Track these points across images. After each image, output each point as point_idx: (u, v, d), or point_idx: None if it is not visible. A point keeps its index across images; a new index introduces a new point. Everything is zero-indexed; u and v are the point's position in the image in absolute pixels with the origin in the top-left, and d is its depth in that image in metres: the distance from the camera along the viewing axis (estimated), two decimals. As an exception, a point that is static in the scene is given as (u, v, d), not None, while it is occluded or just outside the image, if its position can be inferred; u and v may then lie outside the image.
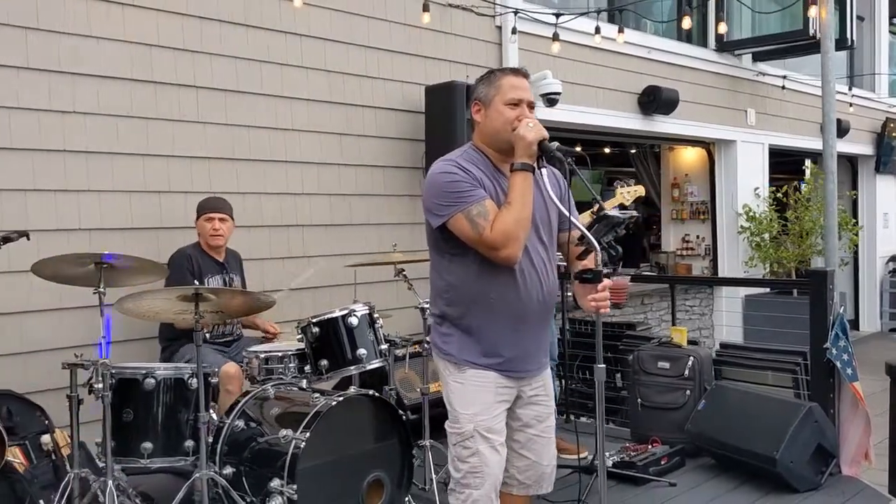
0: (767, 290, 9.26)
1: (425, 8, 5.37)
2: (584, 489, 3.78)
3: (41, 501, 3.55)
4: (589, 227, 2.52)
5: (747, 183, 9.28)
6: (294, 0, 4.75)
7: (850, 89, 10.94)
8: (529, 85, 2.68)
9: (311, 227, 5.21)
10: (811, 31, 8.38)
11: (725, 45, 8.89)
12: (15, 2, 3.99)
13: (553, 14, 6.26)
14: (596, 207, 2.54)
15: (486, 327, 2.60)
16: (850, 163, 12.01)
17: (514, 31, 6.21)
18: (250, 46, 4.87)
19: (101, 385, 3.31)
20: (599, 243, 2.52)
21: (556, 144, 2.58)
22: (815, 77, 9.65)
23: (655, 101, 7.71)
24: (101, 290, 3.23)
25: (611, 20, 7.61)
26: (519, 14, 6.22)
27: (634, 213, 3.39)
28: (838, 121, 10.16)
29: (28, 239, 3.31)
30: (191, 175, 4.61)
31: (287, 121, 5.07)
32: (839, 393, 4.36)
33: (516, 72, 2.66)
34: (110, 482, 3.23)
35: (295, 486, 3.11)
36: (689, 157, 9.75)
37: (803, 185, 10.03)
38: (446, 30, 5.98)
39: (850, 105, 10.80)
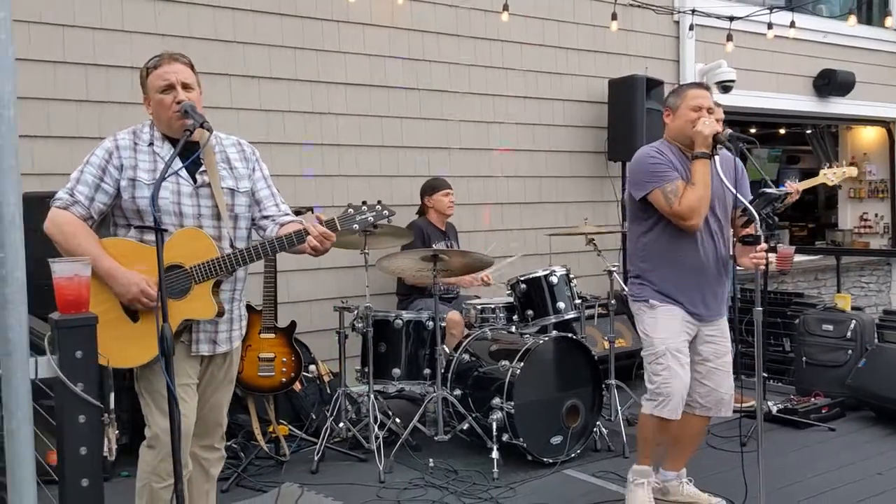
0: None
1: (614, 17, 6.11)
2: (747, 431, 4.39)
3: (313, 415, 4.67)
4: (751, 202, 3.23)
5: (929, 161, 9.29)
6: (502, 15, 5.63)
7: None
8: (709, 94, 3.40)
9: (508, 205, 6.11)
10: None
11: (906, 25, 8.92)
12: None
13: (727, 18, 6.75)
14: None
15: (673, 278, 3.34)
16: None
17: (691, 27, 6.79)
18: (461, 52, 5.81)
19: (362, 324, 4.36)
20: (759, 214, 3.22)
21: (728, 132, 3.31)
22: None
23: (831, 83, 8.00)
24: (366, 251, 4.26)
25: (788, 4, 7.95)
26: (695, 13, 6.78)
27: (789, 191, 3.99)
28: None
29: (312, 213, 4.41)
30: (415, 161, 5.62)
31: (490, 114, 5.98)
32: None
33: (699, 85, 3.43)
34: (372, 395, 4.26)
35: (512, 403, 4.01)
36: (868, 135, 9.83)
37: None
38: (627, 27, 6.66)
39: None
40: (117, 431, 2.32)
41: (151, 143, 2.68)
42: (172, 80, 2.63)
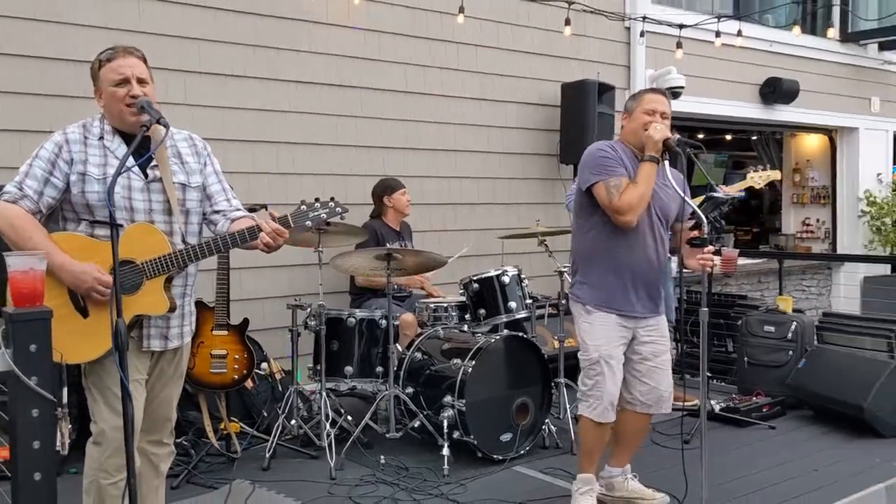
0: (887, 271, 9.55)
1: (567, 22, 6.21)
2: (691, 429, 4.50)
3: (265, 412, 4.67)
4: (699, 206, 3.34)
5: (869, 168, 9.61)
6: (457, 17, 5.69)
7: None
8: (665, 100, 3.50)
9: (462, 206, 6.17)
10: (936, 22, 8.64)
11: (849, 36, 9.24)
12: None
13: (677, 26, 6.92)
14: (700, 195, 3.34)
15: (610, 279, 3.44)
16: None
17: (642, 34, 6.94)
18: (417, 54, 5.85)
19: (315, 322, 4.38)
20: (707, 218, 3.33)
21: (676, 137, 3.42)
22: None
23: (776, 91, 8.24)
24: (320, 249, 4.28)
25: (735, 13, 8.16)
26: (646, 19, 6.93)
27: (737, 195, 4.14)
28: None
29: (266, 210, 4.40)
30: (370, 161, 5.64)
31: (445, 116, 6.03)
32: (929, 356, 4.94)
33: (657, 91, 3.54)
34: (324, 393, 4.28)
35: (463, 401, 4.06)
36: (811, 142, 10.14)
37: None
38: (580, 32, 6.77)
39: None
40: (70, 426, 2.32)
41: (101, 137, 2.67)
42: (128, 73, 2.62)
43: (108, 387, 2.60)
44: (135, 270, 2.59)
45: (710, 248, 3.33)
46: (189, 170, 2.78)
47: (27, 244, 2.51)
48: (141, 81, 2.65)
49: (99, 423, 2.63)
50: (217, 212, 2.84)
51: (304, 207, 2.80)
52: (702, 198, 3.99)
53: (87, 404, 2.69)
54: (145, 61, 2.71)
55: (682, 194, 3.36)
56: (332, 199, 2.84)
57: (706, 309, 3.31)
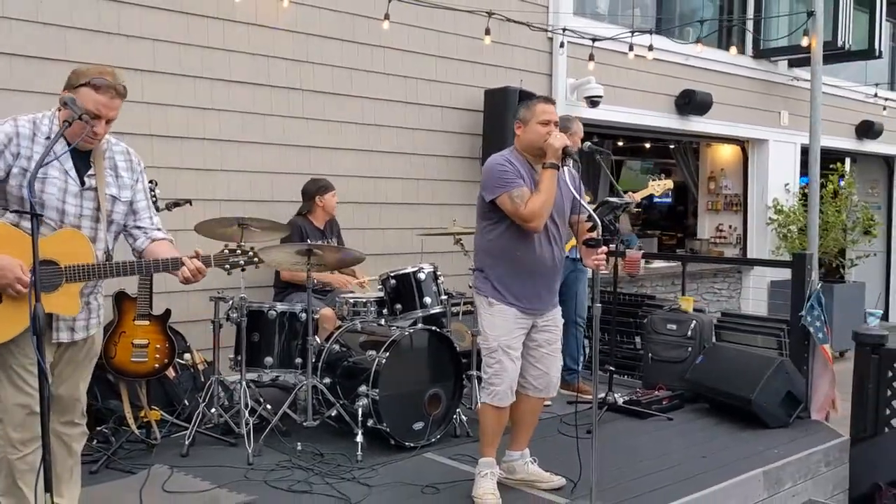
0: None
1: (487, 31, 6.48)
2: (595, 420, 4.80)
3: (186, 401, 4.79)
4: (595, 209, 3.63)
5: (778, 179, 10.15)
6: (383, 23, 5.89)
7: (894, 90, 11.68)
8: (554, 108, 3.77)
9: (388, 205, 6.38)
10: (839, 43, 9.20)
11: (762, 53, 9.75)
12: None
13: (591, 39, 7.31)
14: (593, 201, 3.63)
15: (511, 275, 3.70)
16: (886, 162, 12.69)
17: (562, 45, 7.26)
18: (344, 56, 6.03)
19: (236, 314, 4.53)
20: (601, 221, 3.61)
21: (587, 144, 3.83)
22: (850, 82, 10.52)
23: (690, 102, 8.67)
24: (242, 244, 4.41)
25: (657, 28, 8.56)
26: (566, 31, 7.25)
27: (630, 200, 4.47)
28: (871, 122, 11.01)
29: (191, 205, 4.55)
30: (297, 159, 5.81)
31: (371, 117, 6.23)
32: (812, 353, 5.34)
33: (547, 100, 3.78)
34: (244, 383, 4.43)
35: (377, 391, 4.27)
36: (725, 153, 10.65)
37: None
38: (504, 41, 7.04)
39: (884, 108, 11.51)
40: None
41: (48, 137, 2.79)
42: (104, 114, 2.79)
43: (10, 366, 2.76)
44: (56, 272, 2.75)
45: (604, 248, 3.62)
46: (122, 184, 2.98)
47: None
48: (109, 122, 2.83)
49: (3, 400, 2.77)
50: (139, 227, 3.05)
51: (226, 252, 3.02)
52: (599, 201, 4.30)
53: None
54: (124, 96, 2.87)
55: (577, 195, 3.66)
56: (251, 248, 3.07)
57: (599, 305, 3.62)
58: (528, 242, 3.68)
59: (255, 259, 3.07)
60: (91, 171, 2.86)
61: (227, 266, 3.02)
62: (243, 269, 3.13)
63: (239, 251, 3.04)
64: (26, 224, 2.72)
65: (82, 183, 2.84)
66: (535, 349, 3.80)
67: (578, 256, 3.98)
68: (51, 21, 4.73)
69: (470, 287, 4.87)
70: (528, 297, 3.71)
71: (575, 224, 3.82)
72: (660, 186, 5.70)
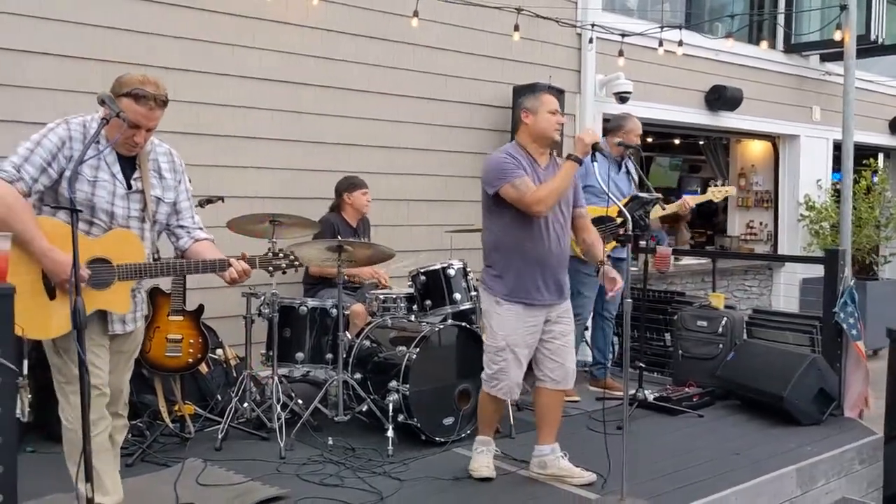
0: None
1: (516, 28, 6.48)
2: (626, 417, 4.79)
3: (219, 396, 4.85)
4: (625, 205, 3.63)
5: (810, 174, 10.02)
6: (412, 20, 5.92)
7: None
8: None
9: (416, 202, 6.40)
10: (872, 37, 9.06)
11: (793, 47, 9.64)
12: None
13: (620, 34, 7.28)
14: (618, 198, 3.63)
15: (519, 269, 3.73)
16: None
17: (591, 40, 7.23)
18: (376, 54, 6.06)
19: (268, 310, 4.58)
20: (632, 216, 3.62)
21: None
22: (884, 76, 10.36)
23: (721, 98, 8.59)
24: (274, 240, 4.46)
25: (686, 23, 8.50)
26: (595, 27, 7.22)
27: (660, 196, 4.45)
28: (904, 117, 10.80)
29: (223, 202, 4.61)
30: (326, 156, 5.85)
31: (401, 115, 6.25)
32: (846, 350, 5.27)
33: (551, 89, 3.82)
34: (275, 378, 4.48)
35: (408, 386, 4.30)
36: (756, 148, 10.55)
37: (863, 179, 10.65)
38: (533, 37, 7.02)
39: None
40: (30, 396, 2.50)
41: (98, 142, 2.85)
42: (144, 125, 2.85)
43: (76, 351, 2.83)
44: (109, 269, 2.84)
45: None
46: (165, 185, 3.07)
47: (17, 226, 2.70)
48: (150, 130, 2.90)
49: (73, 383, 2.78)
50: (182, 226, 3.15)
51: (270, 254, 3.17)
52: (629, 197, 4.29)
53: (53, 377, 2.91)
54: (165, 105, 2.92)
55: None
56: (291, 252, 3.21)
57: (630, 300, 3.61)
58: (534, 233, 3.72)
59: (296, 263, 3.19)
60: (137, 175, 2.97)
61: (271, 268, 3.15)
62: (284, 272, 3.22)
63: (281, 254, 3.16)
64: (80, 225, 2.80)
65: (129, 186, 2.94)
66: (550, 341, 3.84)
67: (622, 256, 4.01)
68: (58, 17, 4.77)
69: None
70: (538, 289, 3.75)
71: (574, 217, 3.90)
72: (720, 193, 5.49)
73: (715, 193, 5.53)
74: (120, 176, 2.91)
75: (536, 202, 3.61)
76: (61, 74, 4.75)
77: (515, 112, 3.81)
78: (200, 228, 3.19)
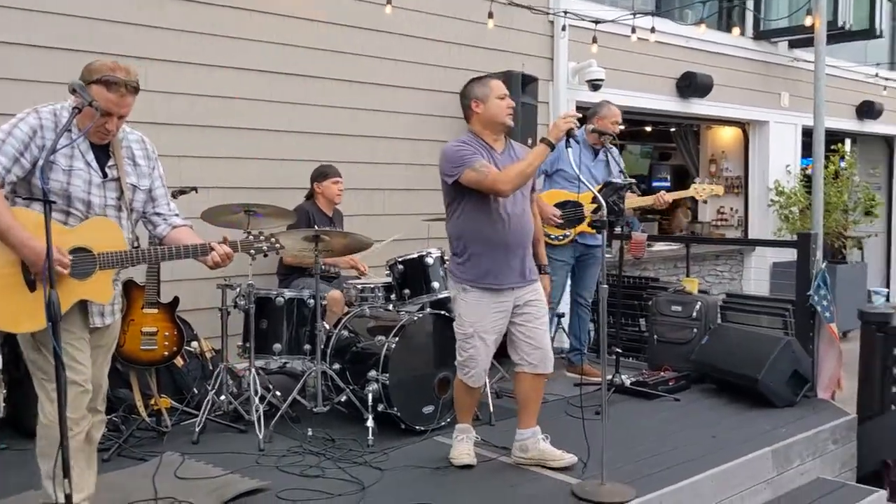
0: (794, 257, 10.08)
1: (490, 15, 6.47)
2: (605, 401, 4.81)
3: (195, 389, 4.81)
4: (599, 190, 3.64)
5: (779, 160, 10.14)
6: (386, 7, 5.89)
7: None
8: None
9: (392, 191, 6.38)
10: (840, 23, 9.17)
11: (762, 34, 9.72)
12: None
13: (592, 21, 7.30)
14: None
15: (483, 255, 3.74)
16: (886, 143, 12.68)
17: (563, 28, 7.23)
18: (350, 43, 6.02)
19: (244, 301, 4.54)
20: (606, 202, 3.63)
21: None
22: (850, 62, 10.49)
23: (691, 85, 8.66)
24: (250, 231, 4.41)
25: (657, 10, 8.53)
26: (568, 14, 7.23)
27: (633, 181, 4.47)
28: (871, 103, 10.99)
29: (196, 192, 4.55)
30: (300, 146, 5.81)
31: (374, 103, 6.22)
32: (818, 332, 5.35)
33: (496, 76, 3.82)
34: (253, 370, 4.44)
35: (387, 375, 4.28)
36: (726, 135, 10.64)
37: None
38: (506, 25, 7.02)
39: (885, 88, 11.49)
40: (5, 391, 2.45)
41: (69, 130, 2.79)
42: (115, 112, 2.80)
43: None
44: (89, 259, 2.79)
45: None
46: (140, 172, 3.03)
47: None
48: (121, 118, 2.85)
49: (54, 381, 2.76)
50: (158, 214, 3.11)
51: (251, 237, 3.14)
52: (602, 183, 4.30)
53: (32, 373, 2.87)
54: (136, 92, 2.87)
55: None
56: (272, 235, 3.19)
57: (606, 286, 3.63)
58: (493, 217, 3.72)
59: (277, 245, 3.17)
60: (111, 162, 2.92)
61: (252, 251, 3.12)
62: (266, 255, 3.20)
63: (262, 237, 3.14)
64: (53, 214, 2.74)
65: (104, 174, 2.89)
66: (523, 324, 3.84)
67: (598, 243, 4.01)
68: (72, 12, 4.75)
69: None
70: (503, 272, 3.76)
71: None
72: (705, 191, 5.40)
73: (699, 191, 5.48)
74: (94, 164, 2.86)
75: (501, 181, 3.61)
76: (33, 65, 4.66)
77: (465, 104, 3.77)
78: (177, 215, 3.15)
